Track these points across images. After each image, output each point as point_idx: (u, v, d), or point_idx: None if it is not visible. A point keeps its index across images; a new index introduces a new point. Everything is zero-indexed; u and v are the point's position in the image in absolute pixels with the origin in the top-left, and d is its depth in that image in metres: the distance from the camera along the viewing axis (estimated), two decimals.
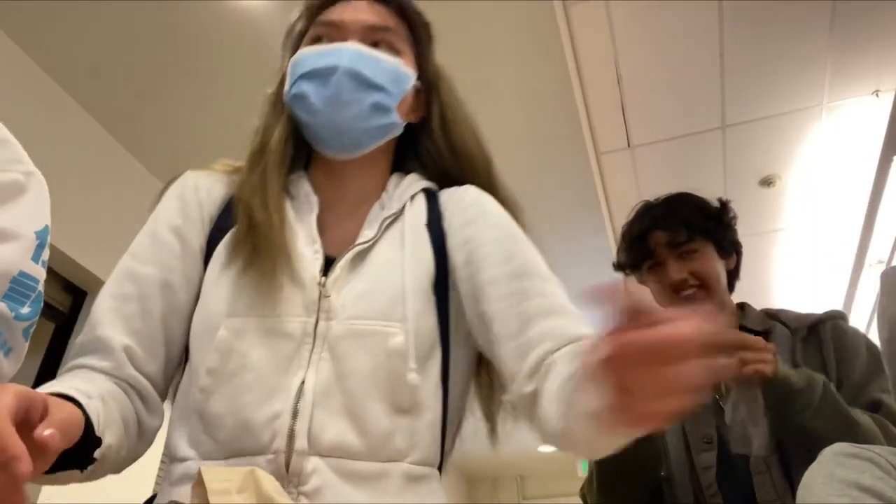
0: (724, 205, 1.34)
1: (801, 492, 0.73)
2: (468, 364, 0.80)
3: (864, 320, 3.96)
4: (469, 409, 0.82)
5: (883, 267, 3.62)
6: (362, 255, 0.76)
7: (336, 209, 0.82)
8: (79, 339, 0.73)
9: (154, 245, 0.78)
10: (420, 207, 0.83)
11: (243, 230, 0.74)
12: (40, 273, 0.70)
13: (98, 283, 2.48)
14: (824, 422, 1.03)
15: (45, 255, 0.71)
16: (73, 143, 2.47)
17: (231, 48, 2.30)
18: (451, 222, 0.81)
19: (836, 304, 4.09)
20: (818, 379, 1.07)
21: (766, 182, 3.22)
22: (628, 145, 3.02)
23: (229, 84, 2.43)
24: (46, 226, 0.72)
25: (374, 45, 0.82)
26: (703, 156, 3.07)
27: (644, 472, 1.19)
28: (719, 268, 1.29)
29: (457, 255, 0.78)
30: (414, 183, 0.85)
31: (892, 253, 3.44)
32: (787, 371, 1.07)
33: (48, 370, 2.41)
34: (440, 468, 0.74)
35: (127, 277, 0.76)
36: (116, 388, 0.69)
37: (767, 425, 1.07)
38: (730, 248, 1.33)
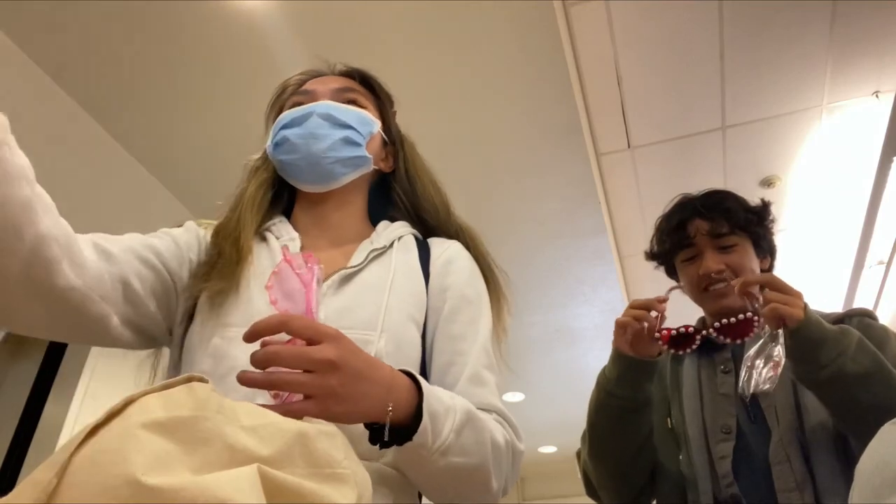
0: (766, 206, 1.33)
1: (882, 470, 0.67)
2: None
3: None
4: None
5: (883, 267, 3.62)
6: (348, 278, 0.87)
7: (320, 243, 0.94)
8: None
9: (157, 235, 0.89)
10: (410, 247, 0.95)
11: (212, 259, 0.86)
12: None
13: None
14: (858, 366, 1.01)
15: None
16: (73, 142, 2.47)
17: (231, 49, 2.30)
18: (435, 269, 0.93)
19: (836, 305, 4.09)
20: (853, 330, 1.05)
21: (767, 183, 3.22)
22: (628, 146, 3.02)
23: (229, 85, 2.43)
24: None
25: (343, 103, 0.97)
26: (703, 157, 3.07)
27: (633, 432, 1.20)
28: (755, 266, 1.28)
29: (436, 297, 0.90)
30: (402, 227, 0.98)
31: (892, 253, 3.44)
32: (818, 318, 1.05)
33: (48, 370, 2.41)
34: None
35: (141, 242, 0.86)
36: (72, 234, 0.78)
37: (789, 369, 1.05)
38: (766, 249, 1.32)
